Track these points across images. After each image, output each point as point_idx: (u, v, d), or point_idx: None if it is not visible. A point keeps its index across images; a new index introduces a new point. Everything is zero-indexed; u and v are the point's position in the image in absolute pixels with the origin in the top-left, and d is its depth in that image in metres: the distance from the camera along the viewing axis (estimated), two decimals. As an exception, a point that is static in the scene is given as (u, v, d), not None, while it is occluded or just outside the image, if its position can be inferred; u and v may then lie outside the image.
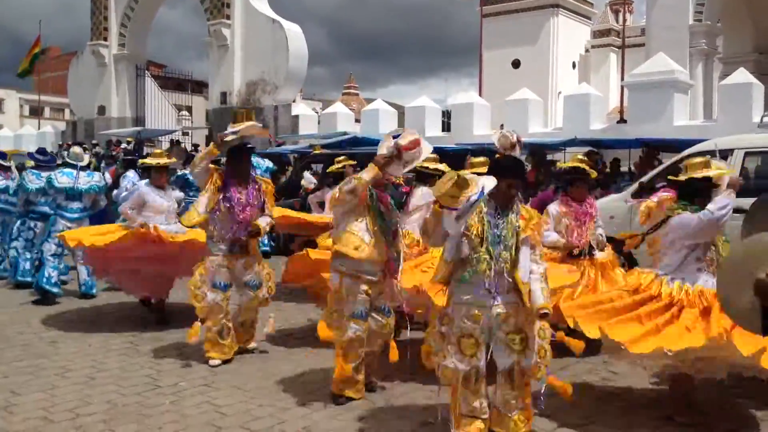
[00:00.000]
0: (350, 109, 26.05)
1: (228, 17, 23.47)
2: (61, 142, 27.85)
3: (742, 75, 16.11)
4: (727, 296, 3.40)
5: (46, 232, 8.63)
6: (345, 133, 19.10)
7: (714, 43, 21.99)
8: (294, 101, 24.07)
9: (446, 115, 22.60)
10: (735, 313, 3.36)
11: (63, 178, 8.51)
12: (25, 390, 5.13)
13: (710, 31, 21.07)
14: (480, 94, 25.37)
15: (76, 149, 9.10)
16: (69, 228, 8.15)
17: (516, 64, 40.51)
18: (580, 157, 6.21)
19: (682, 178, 4.81)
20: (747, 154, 8.16)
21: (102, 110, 28.01)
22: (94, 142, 24.90)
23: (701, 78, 20.63)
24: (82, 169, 8.69)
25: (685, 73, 17.61)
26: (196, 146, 25.88)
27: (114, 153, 20.60)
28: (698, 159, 4.99)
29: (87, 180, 8.63)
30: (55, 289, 8.31)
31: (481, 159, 6.11)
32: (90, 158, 10.68)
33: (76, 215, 8.50)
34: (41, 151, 10.20)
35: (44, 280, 8.26)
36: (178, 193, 8.24)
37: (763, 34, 26.09)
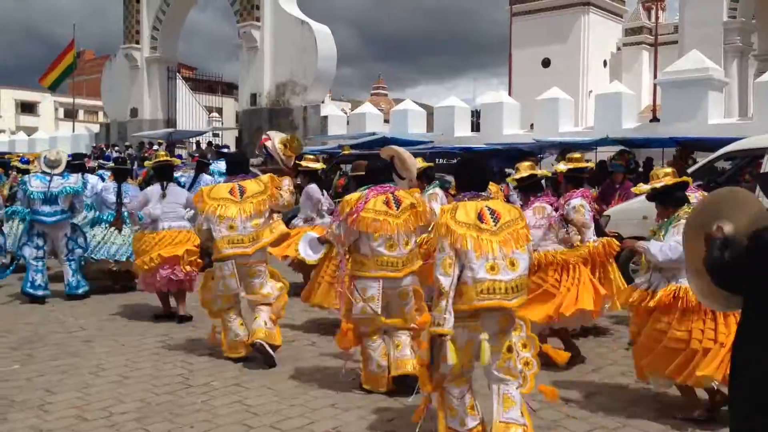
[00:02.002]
0: (379, 109, 26.09)
1: (258, 19, 23.64)
2: (95, 144, 28.31)
3: (778, 72, 15.81)
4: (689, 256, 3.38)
5: (24, 236, 8.71)
6: (374, 134, 19.13)
7: (749, 39, 21.62)
8: (323, 102, 24.18)
9: (475, 114, 22.51)
10: (696, 285, 3.34)
11: (36, 182, 8.47)
12: (59, 389, 5.20)
13: (745, 28, 20.73)
14: (509, 94, 25.24)
15: (52, 155, 8.81)
16: (44, 232, 8.44)
17: (546, 63, 40.20)
18: (527, 164, 6.28)
19: None
20: (784, 152, 7.99)
21: (134, 112, 28.41)
22: (126, 143, 25.26)
23: (736, 75, 20.31)
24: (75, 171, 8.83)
25: (719, 70, 17.33)
26: (227, 147, 26.12)
27: (146, 154, 20.87)
28: None
29: (60, 183, 8.51)
30: (40, 292, 8.40)
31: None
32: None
33: (51, 219, 8.45)
34: (24, 160, 10.29)
35: (28, 285, 8.40)
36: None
37: (800, 30, 25.59)
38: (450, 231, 3.91)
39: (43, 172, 8.57)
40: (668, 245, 4.63)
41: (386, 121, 24.28)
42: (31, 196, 8.41)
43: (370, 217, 4.92)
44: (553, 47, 39.58)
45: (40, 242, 8.55)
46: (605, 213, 8.80)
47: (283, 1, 23.57)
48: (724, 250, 2.94)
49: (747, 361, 2.84)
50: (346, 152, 16.25)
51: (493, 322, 3.94)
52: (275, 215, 6.32)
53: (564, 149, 13.72)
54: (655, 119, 18.98)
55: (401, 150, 5.73)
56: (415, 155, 7.44)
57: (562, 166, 6.60)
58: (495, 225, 3.98)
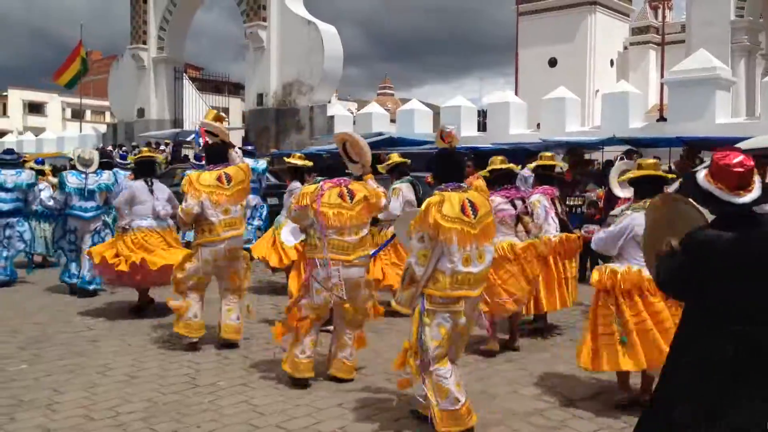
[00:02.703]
0: (385, 109, 26.08)
1: (264, 19, 23.64)
2: (101, 144, 28.39)
3: (786, 71, 15.74)
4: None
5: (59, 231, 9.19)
6: (380, 134, 19.11)
7: (756, 39, 21.53)
8: (329, 102, 24.15)
9: (482, 114, 22.46)
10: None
11: (72, 179, 8.95)
12: (66, 388, 5.22)
13: (752, 27, 20.64)
14: (516, 93, 25.21)
15: (86, 154, 9.32)
16: (77, 227, 8.94)
17: (553, 62, 40.12)
18: (500, 158, 6.50)
19: None
20: (792, 151, 7.95)
21: (141, 112, 28.46)
22: (134, 143, 25.32)
23: (743, 75, 20.23)
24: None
25: (726, 69, 17.25)
26: (250, 144, 26.16)
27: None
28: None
29: (95, 179, 9.07)
30: (92, 287, 8.82)
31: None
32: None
33: (88, 214, 8.95)
34: (8, 151, 10.52)
35: (67, 275, 9.02)
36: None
37: (808, 29, 25.47)
38: (439, 226, 4.14)
39: (78, 170, 9.05)
40: (601, 233, 4.95)
41: (393, 120, 24.24)
42: (70, 191, 8.87)
43: (325, 210, 5.20)
44: (559, 47, 39.48)
45: (72, 237, 9.01)
46: (612, 213, 8.80)
47: (290, 1, 23.57)
48: (669, 262, 3.03)
49: (678, 350, 3.01)
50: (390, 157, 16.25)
51: (469, 308, 4.32)
52: None
53: (570, 149, 13.68)
54: (662, 119, 18.90)
55: (353, 134, 5.94)
56: (420, 155, 7.57)
57: (532, 165, 7.11)
58: (474, 218, 4.25)
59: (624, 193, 6.48)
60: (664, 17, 30.00)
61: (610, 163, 14.24)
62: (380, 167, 8.36)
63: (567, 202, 14.05)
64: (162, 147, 23.99)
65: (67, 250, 9.04)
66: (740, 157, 2.88)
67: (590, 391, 5.16)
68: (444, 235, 4.14)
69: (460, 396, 4.22)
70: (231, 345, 6.41)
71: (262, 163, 11.69)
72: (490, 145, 17.17)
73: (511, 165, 6.62)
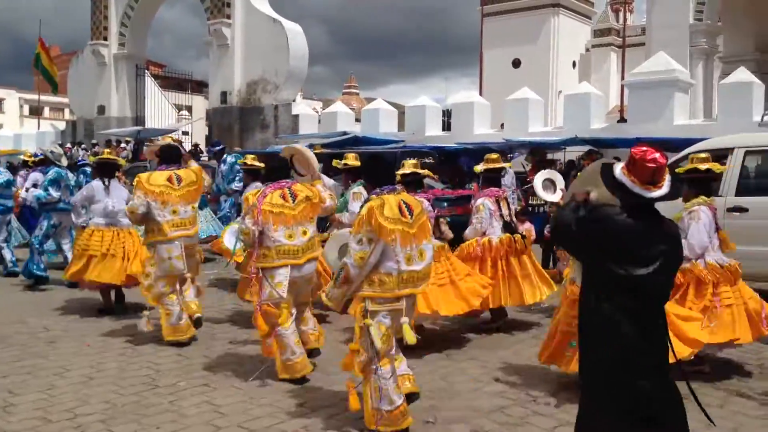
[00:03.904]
0: (350, 108, 26.04)
1: (228, 17, 23.45)
2: (60, 142, 27.89)
3: (742, 74, 16.09)
4: None
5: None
6: (345, 133, 19.08)
7: (714, 42, 21.98)
8: (294, 101, 24.05)
9: (447, 114, 22.57)
10: None
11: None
12: (23, 390, 5.11)
13: (710, 30, 21.06)
14: (480, 94, 25.35)
15: (57, 149, 9.57)
16: (60, 221, 9.24)
17: (516, 63, 40.52)
18: (413, 161, 6.55)
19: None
20: (747, 153, 8.16)
21: (102, 110, 28.00)
22: (93, 141, 24.89)
23: (701, 77, 20.63)
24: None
25: (685, 72, 17.59)
26: (196, 146, 25.88)
27: (114, 153, 20.56)
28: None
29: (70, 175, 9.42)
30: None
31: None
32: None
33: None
34: None
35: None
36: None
37: (763, 33, 26.07)
38: (382, 228, 4.26)
39: (59, 166, 9.26)
40: None
41: (358, 120, 24.23)
42: (68, 188, 9.21)
43: (268, 210, 5.34)
44: (523, 48, 39.91)
45: (52, 232, 9.35)
46: None
47: (255, -1, 23.44)
48: (574, 212, 3.24)
49: (582, 324, 3.27)
50: (318, 151, 16.17)
51: (409, 305, 4.46)
52: None
53: (533, 149, 13.82)
54: (622, 120, 19.20)
55: (301, 148, 6.02)
56: (386, 155, 7.59)
57: (480, 166, 7.22)
58: (411, 218, 4.40)
59: (554, 197, 6.82)
60: (625, 20, 30.51)
61: (572, 163, 14.43)
62: (336, 162, 8.42)
63: (530, 202, 14.20)
64: (123, 145, 23.64)
65: (43, 244, 9.21)
66: (656, 155, 3.05)
67: (552, 388, 5.22)
68: (387, 237, 4.26)
69: (396, 398, 4.29)
70: (197, 322, 6.59)
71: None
72: (455, 145, 17.28)
73: (419, 170, 6.62)
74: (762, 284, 8.39)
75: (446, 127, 22.02)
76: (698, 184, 5.61)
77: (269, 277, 5.34)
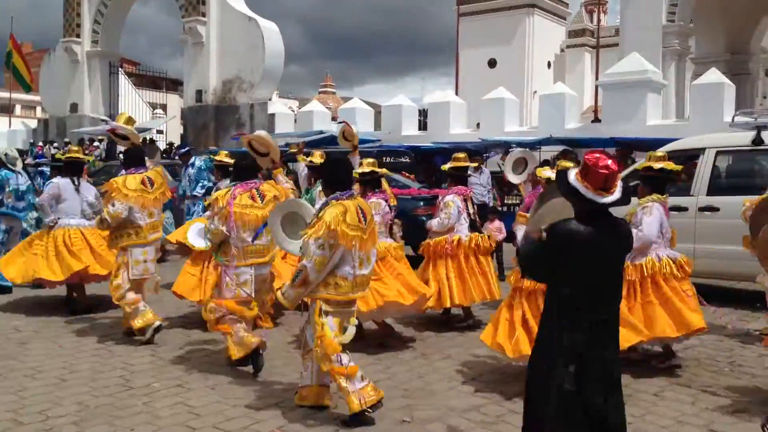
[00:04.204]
0: (327, 107, 25.98)
1: (203, 14, 23.25)
2: (32, 140, 27.47)
3: (713, 75, 16.30)
4: None
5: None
6: (321, 132, 19.04)
7: (686, 43, 22.22)
8: (270, 99, 23.93)
9: (423, 113, 22.61)
10: None
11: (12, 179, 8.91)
12: (-7, 392, 5.03)
13: (683, 32, 21.29)
14: (456, 93, 25.45)
15: (13, 152, 9.22)
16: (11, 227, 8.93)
17: (492, 63, 40.70)
18: (370, 160, 6.70)
19: None
20: (719, 153, 8.27)
21: (74, 108, 27.62)
22: (66, 140, 24.57)
23: (674, 78, 20.84)
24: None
25: (658, 73, 17.78)
26: (171, 144, 25.65)
27: (87, 152, 20.34)
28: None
29: (25, 180, 9.09)
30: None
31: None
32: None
33: (22, 214, 8.98)
34: None
35: None
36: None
37: (734, 35, 26.45)
38: (345, 235, 4.39)
39: (10, 169, 8.95)
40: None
41: (334, 119, 24.18)
42: (13, 191, 8.89)
43: (238, 211, 5.44)
44: (499, 48, 40.10)
45: (5, 238, 8.95)
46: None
47: (230, -3, 23.27)
48: (533, 246, 3.40)
49: (539, 337, 3.40)
50: (293, 150, 16.11)
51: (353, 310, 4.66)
52: None
53: (508, 148, 13.90)
54: (596, 120, 19.38)
55: (256, 133, 6.31)
56: (361, 154, 7.63)
57: (447, 165, 7.42)
58: (365, 224, 4.55)
59: (517, 179, 7.17)
60: (599, 21, 30.79)
61: (546, 163, 14.51)
62: (301, 158, 8.50)
63: (505, 201, 14.26)
64: (96, 144, 23.38)
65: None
66: (607, 161, 3.16)
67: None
68: (349, 244, 4.42)
69: (325, 380, 4.62)
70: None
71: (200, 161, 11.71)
72: (431, 144, 17.32)
73: (377, 169, 6.70)
74: (732, 282, 8.53)
75: (422, 126, 22.07)
76: (653, 181, 5.79)
77: (235, 276, 5.46)
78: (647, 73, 16.87)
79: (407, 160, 15.30)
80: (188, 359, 5.94)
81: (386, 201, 6.62)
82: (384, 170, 6.84)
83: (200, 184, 11.17)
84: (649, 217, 5.59)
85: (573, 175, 3.21)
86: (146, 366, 5.75)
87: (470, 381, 5.42)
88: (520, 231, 5.30)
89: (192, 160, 11.42)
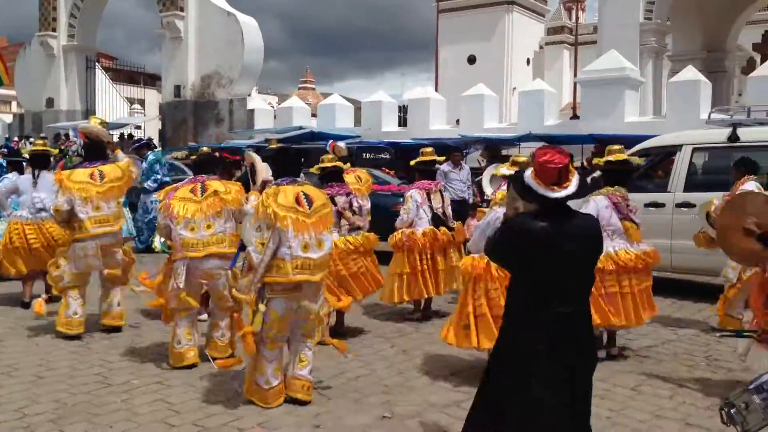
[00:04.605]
0: (306, 103, 25.90)
1: (181, 9, 23.08)
2: (8, 135, 27.10)
3: (690, 72, 16.48)
4: None
5: None
6: (301, 128, 18.99)
7: (663, 41, 22.42)
8: (249, 95, 23.83)
9: (402, 110, 22.62)
10: None
11: None
12: (-31, 390, 4.97)
13: (660, 30, 21.47)
14: (436, 90, 25.47)
15: None
16: None
17: (472, 59, 40.78)
18: (331, 156, 6.85)
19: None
20: (695, 149, 8.36)
21: (50, 102, 27.30)
22: (42, 135, 24.24)
23: (651, 75, 21.02)
24: None
25: (635, 70, 17.94)
26: (150, 140, 25.41)
27: (63, 147, 20.10)
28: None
29: None
30: None
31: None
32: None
33: None
34: None
35: None
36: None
37: (711, 33, 26.74)
38: (274, 214, 4.53)
39: None
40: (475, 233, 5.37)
41: (314, 115, 24.11)
42: None
43: (174, 203, 5.50)
44: (478, 44, 40.17)
45: None
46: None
47: (208, -9, 23.09)
48: (495, 238, 3.47)
49: (503, 328, 3.41)
50: (273, 146, 16.07)
51: (309, 293, 4.67)
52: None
53: (488, 145, 13.96)
54: (575, 116, 19.50)
55: (257, 160, 5.98)
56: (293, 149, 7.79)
57: (413, 161, 7.52)
58: (309, 208, 4.66)
59: (488, 188, 6.96)
60: (577, 18, 31.00)
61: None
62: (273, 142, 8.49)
63: (485, 197, 14.29)
64: (73, 138, 23.09)
65: None
66: (556, 157, 3.17)
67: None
68: (280, 223, 4.53)
69: (273, 379, 4.67)
70: (115, 329, 6.60)
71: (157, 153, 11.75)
72: (411, 140, 17.34)
73: (338, 163, 6.83)
74: (710, 278, 8.63)
75: (402, 122, 22.08)
76: (611, 174, 5.94)
77: (175, 268, 5.53)
78: (625, 70, 17.01)
79: (387, 156, 15.31)
80: (168, 356, 5.89)
81: (348, 194, 6.68)
82: (338, 164, 6.90)
83: (152, 178, 11.20)
84: (584, 210, 5.65)
85: (528, 173, 3.21)
86: (125, 363, 5.70)
87: (450, 376, 5.45)
88: (474, 227, 5.43)
89: (147, 154, 11.46)
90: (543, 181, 3.15)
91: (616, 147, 6.04)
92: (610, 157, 5.92)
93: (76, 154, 19.42)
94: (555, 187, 3.14)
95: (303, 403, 4.71)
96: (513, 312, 3.34)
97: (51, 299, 7.60)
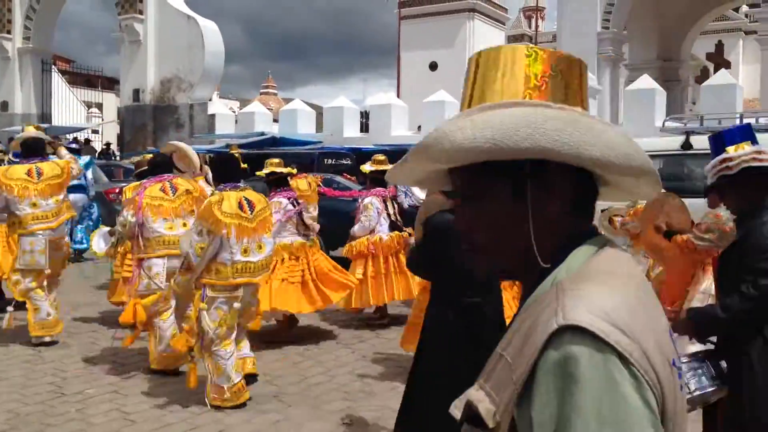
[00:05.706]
0: (268, 108, 25.77)
1: (140, 12, 22.78)
2: (-41, 139, 26.41)
3: (646, 81, 16.81)
4: None
5: None
6: (263, 133, 18.86)
7: (620, 50, 22.83)
8: (210, 100, 23.61)
9: (364, 115, 22.65)
10: None
11: None
12: None
13: (617, 39, 21.86)
14: (398, 96, 25.57)
15: None
16: None
17: (433, 66, 41.03)
18: (276, 161, 6.92)
19: None
20: (650, 157, 8.52)
21: (5, 106, 26.70)
22: (-5, 139, 23.69)
23: (608, 84, 21.40)
24: None
25: (593, 78, 18.25)
26: (108, 145, 25.05)
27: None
28: None
29: None
30: None
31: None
32: None
33: None
34: None
35: None
36: None
37: (666, 42, 27.35)
38: (218, 221, 4.66)
39: None
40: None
41: (275, 120, 23.99)
42: None
43: (147, 202, 5.57)
44: (440, 51, 40.42)
45: None
46: None
47: (168, -5, 22.84)
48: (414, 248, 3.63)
49: (426, 327, 3.48)
50: (234, 152, 15.97)
51: (248, 293, 4.90)
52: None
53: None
54: (535, 123, 19.71)
55: (182, 145, 6.44)
56: (301, 155, 7.70)
57: (367, 167, 7.62)
58: (251, 213, 4.84)
59: (419, 193, 7.37)
60: (536, 27, 31.36)
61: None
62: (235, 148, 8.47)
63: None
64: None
65: None
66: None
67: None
68: (222, 229, 4.66)
69: (234, 376, 4.77)
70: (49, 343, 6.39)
71: (85, 159, 11.60)
72: (372, 146, 17.35)
73: (288, 169, 6.93)
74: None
75: (364, 128, 22.10)
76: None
77: (146, 269, 5.54)
78: (583, 78, 17.28)
79: (349, 162, 15.30)
80: (124, 365, 5.81)
81: (291, 199, 6.72)
82: (288, 170, 6.96)
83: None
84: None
85: None
86: (80, 372, 5.61)
87: (410, 382, 5.46)
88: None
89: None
90: None
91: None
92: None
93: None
94: None
95: (254, 375, 5.10)
96: (432, 305, 3.43)
97: (17, 308, 7.38)
